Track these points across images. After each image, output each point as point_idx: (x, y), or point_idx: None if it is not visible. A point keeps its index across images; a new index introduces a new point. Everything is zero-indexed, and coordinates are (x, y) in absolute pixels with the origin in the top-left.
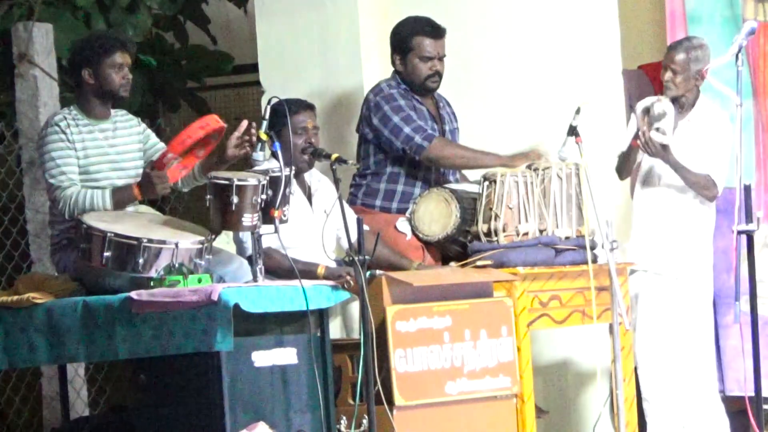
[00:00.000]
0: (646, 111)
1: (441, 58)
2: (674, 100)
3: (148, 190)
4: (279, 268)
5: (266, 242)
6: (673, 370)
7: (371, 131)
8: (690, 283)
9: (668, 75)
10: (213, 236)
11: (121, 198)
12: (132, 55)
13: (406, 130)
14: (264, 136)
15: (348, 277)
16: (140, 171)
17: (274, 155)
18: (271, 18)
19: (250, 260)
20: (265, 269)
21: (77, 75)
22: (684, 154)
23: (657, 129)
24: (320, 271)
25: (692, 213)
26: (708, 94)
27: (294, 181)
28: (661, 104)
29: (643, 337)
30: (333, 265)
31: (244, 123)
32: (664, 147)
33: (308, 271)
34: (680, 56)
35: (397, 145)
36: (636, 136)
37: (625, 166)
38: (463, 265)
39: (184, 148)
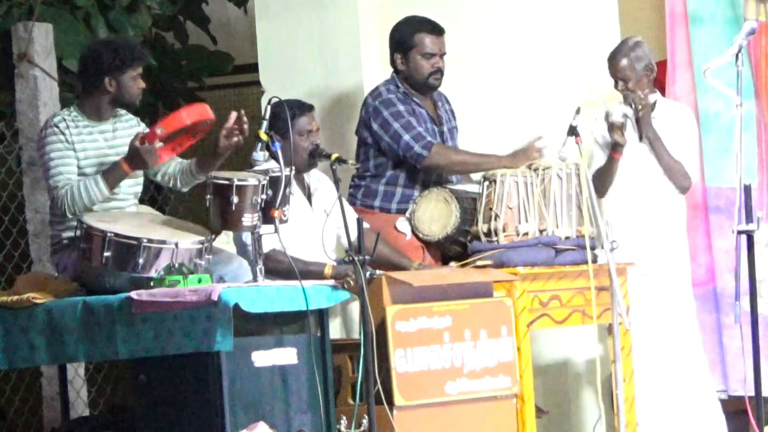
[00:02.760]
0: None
1: (442, 55)
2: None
3: (139, 163)
4: (285, 271)
5: (270, 244)
6: (663, 370)
7: (370, 135)
8: (671, 281)
9: (620, 85)
10: (213, 236)
11: (113, 178)
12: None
13: (406, 137)
14: (264, 136)
15: (348, 278)
16: (140, 171)
17: (273, 155)
18: (271, 18)
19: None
20: (270, 271)
21: (95, 81)
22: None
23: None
24: (327, 271)
25: (663, 210)
26: (709, 95)
27: (294, 181)
28: (618, 108)
29: (634, 340)
30: (334, 264)
31: (234, 114)
32: (643, 115)
33: (315, 272)
34: (623, 62)
35: (397, 152)
36: (614, 148)
37: (605, 182)
38: (463, 265)
39: (174, 130)
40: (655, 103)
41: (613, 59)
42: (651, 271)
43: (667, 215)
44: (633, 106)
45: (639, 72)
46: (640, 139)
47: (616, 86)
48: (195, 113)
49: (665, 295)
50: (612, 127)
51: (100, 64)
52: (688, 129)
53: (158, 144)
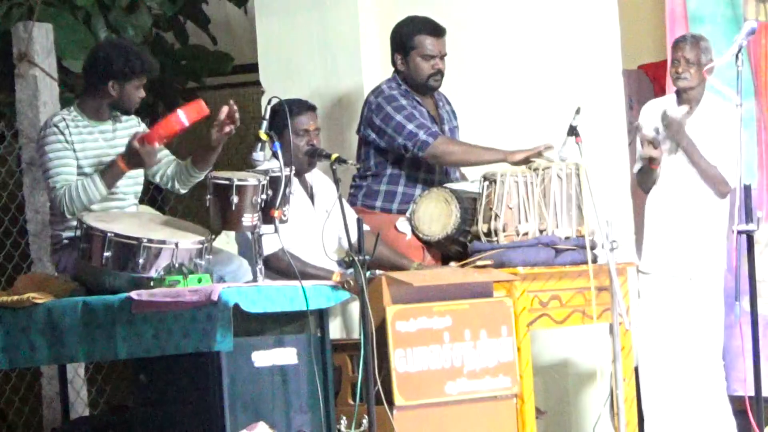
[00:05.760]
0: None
1: (442, 57)
2: (684, 92)
3: (136, 163)
4: (291, 272)
5: (278, 244)
6: (682, 372)
7: (373, 132)
8: (703, 283)
9: (682, 66)
10: (213, 236)
11: (110, 176)
12: None
13: (410, 126)
14: (264, 136)
15: (348, 278)
16: (140, 171)
17: (274, 155)
18: (271, 18)
19: (265, 260)
20: (276, 270)
21: (99, 82)
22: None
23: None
24: (336, 278)
25: (706, 212)
26: (709, 94)
27: (296, 181)
28: (649, 123)
29: (653, 339)
30: (334, 265)
31: (225, 108)
32: (679, 125)
33: (323, 278)
34: (690, 46)
35: (399, 142)
36: (650, 161)
37: (647, 182)
38: (463, 265)
39: (174, 133)
40: (690, 113)
41: (682, 42)
42: (684, 273)
43: (706, 219)
44: (665, 121)
45: (702, 63)
46: (675, 150)
47: (675, 68)
48: (193, 113)
49: (698, 297)
50: (643, 143)
51: (108, 67)
52: (729, 130)
53: (157, 146)
